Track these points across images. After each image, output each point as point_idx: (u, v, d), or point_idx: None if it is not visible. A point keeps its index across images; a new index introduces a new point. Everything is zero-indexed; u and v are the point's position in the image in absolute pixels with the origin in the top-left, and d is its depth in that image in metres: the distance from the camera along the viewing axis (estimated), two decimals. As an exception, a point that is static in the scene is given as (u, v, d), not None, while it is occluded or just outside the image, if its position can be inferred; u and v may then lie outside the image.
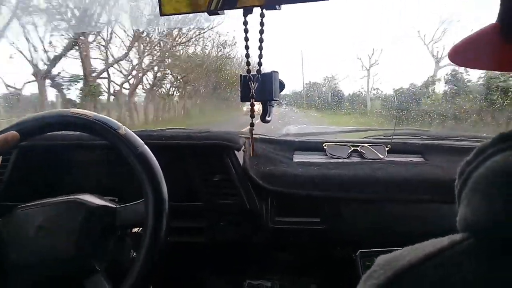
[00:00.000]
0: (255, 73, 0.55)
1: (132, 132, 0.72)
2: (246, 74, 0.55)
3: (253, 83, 0.55)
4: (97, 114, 0.73)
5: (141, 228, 0.77)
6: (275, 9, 0.48)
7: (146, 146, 0.71)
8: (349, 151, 1.04)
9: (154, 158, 0.70)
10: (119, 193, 0.78)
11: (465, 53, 0.33)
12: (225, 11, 0.50)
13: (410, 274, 0.25)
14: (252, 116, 0.57)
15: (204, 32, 6.65)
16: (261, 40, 0.51)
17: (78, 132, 0.89)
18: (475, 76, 4.53)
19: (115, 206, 0.71)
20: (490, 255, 0.24)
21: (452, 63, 0.34)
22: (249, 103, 0.61)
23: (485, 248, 0.25)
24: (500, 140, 0.27)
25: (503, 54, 0.31)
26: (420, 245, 0.27)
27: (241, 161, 0.96)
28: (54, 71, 5.85)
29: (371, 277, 0.27)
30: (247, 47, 0.53)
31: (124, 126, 0.72)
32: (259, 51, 0.51)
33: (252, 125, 0.58)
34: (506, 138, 0.27)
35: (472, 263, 0.24)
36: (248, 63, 0.54)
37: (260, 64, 0.53)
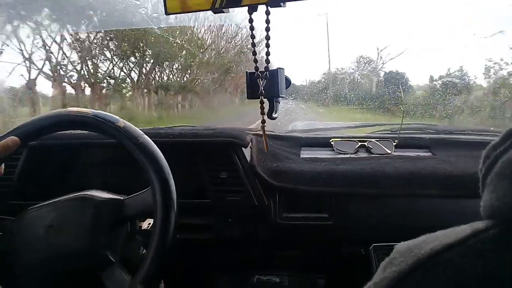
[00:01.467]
0: (263, 70, 0.54)
1: (131, 124, 0.73)
2: (254, 71, 0.55)
3: (262, 80, 0.55)
4: (95, 110, 0.73)
5: (150, 225, 0.78)
6: (280, 6, 0.48)
7: (146, 136, 0.71)
8: (357, 146, 1.04)
9: (156, 146, 0.70)
10: (127, 191, 0.78)
11: None
12: (230, 9, 0.50)
13: (432, 261, 0.24)
14: (263, 113, 0.57)
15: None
16: (267, 38, 0.51)
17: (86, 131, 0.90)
18: None
19: (122, 198, 0.72)
20: None
21: None
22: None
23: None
24: None
25: None
26: (441, 232, 0.27)
27: (248, 158, 0.96)
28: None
29: (391, 264, 0.26)
30: (253, 45, 0.53)
31: (122, 119, 0.72)
32: (266, 48, 0.51)
33: (263, 121, 0.58)
34: None
35: (498, 251, 0.23)
36: (255, 61, 0.54)
37: (267, 61, 0.53)
